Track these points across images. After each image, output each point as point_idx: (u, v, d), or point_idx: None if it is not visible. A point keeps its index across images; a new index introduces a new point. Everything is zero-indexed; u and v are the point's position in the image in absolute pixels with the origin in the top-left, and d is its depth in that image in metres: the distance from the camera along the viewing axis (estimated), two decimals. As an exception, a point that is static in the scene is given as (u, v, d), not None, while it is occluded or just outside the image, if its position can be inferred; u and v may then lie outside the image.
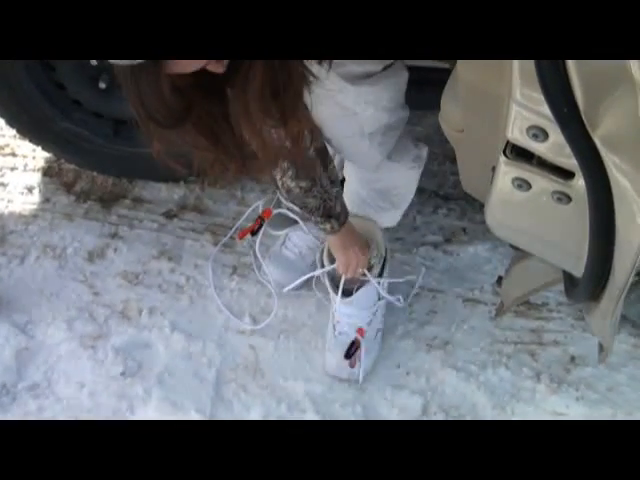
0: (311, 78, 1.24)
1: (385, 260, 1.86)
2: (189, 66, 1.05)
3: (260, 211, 1.99)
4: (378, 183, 1.79)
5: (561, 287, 1.23)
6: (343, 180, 1.85)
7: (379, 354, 1.88)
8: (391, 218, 1.91)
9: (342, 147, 1.65)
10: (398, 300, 1.89)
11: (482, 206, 1.11)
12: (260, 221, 1.97)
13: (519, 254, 1.33)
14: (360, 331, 1.82)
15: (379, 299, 1.86)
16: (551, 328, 1.90)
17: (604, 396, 1.76)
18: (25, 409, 1.79)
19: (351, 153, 1.68)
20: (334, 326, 1.87)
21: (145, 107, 1.06)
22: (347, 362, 1.79)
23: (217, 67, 1.11)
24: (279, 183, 1.56)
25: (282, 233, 2.00)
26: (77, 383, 1.84)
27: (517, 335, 1.89)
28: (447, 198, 1.97)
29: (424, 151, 1.80)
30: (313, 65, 1.25)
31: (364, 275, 1.81)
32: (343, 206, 1.68)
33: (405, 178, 1.81)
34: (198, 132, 1.23)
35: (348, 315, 1.84)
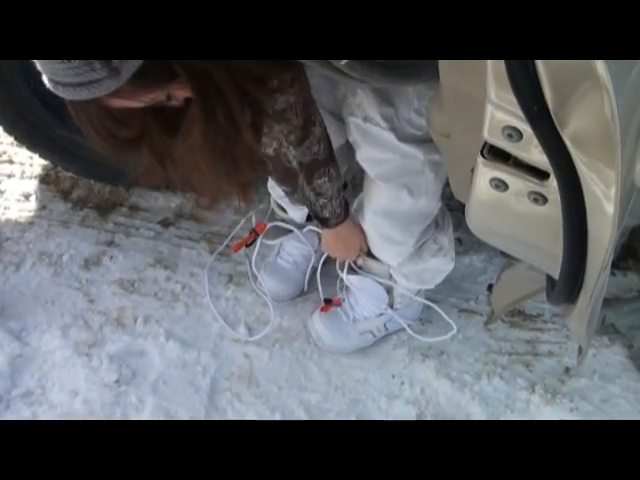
0: (266, 130, 1.23)
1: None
2: (132, 102, 1.06)
3: (254, 223, 1.99)
4: None
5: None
6: (346, 185, 1.81)
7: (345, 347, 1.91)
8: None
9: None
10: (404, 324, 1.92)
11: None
12: (254, 235, 1.98)
13: (508, 261, 1.32)
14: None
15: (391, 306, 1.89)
16: (546, 339, 1.89)
17: (598, 407, 1.75)
18: (18, 416, 1.79)
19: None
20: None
21: (88, 136, 1.09)
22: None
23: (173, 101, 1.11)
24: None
25: (276, 242, 2.01)
26: (71, 390, 1.84)
27: (512, 346, 1.89)
28: (443, 209, 1.97)
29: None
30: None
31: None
32: (334, 215, 1.63)
33: None
34: (150, 155, 1.23)
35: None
